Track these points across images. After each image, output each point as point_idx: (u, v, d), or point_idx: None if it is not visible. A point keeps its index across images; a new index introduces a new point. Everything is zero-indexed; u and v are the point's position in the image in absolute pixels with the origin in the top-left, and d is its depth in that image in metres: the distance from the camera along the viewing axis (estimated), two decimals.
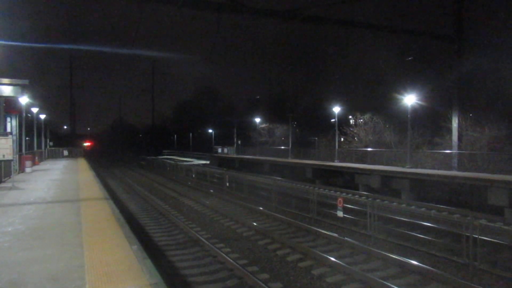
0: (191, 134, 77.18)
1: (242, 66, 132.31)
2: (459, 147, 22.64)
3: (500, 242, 9.71)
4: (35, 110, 33.38)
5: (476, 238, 8.77)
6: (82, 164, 31.66)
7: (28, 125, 30.74)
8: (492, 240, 9.80)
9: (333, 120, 34.84)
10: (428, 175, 17.98)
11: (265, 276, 8.30)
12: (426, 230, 11.87)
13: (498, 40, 27.26)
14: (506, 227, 10.37)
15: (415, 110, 23.94)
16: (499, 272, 8.27)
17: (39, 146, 38.05)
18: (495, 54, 26.14)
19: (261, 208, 15.91)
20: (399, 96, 23.71)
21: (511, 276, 8.03)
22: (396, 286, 7.43)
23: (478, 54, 26.41)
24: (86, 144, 78.75)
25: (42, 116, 38.62)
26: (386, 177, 19.94)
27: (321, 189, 18.34)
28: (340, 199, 13.00)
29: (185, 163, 43.91)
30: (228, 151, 51.85)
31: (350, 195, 18.22)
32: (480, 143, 24.07)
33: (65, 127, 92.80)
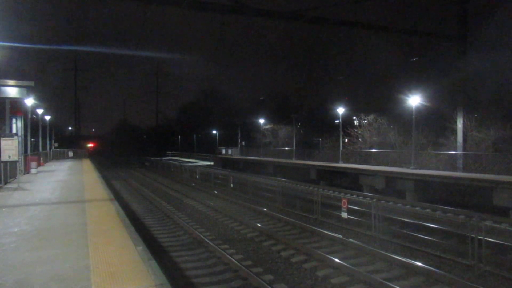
0: (195, 135, 77.26)
1: (246, 67, 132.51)
2: (464, 148, 22.53)
3: (505, 243, 9.66)
4: (40, 111, 33.58)
5: (481, 239, 8.73)
6: (86, 165, 31.80)
7: (33, 126, 30.89)
8: (497, 241, 9.76)
9: (337, 121, 34.80)
10: (432, 176, 17.91)
11: (270, 277, 8.30)
12: (431, 231, 11.82)
13: (503, 40, 27.15)
14: (511, 229, 10.30)
15: (419, 111, 23.85)
16: (504, 274, 8.23)
17: (44, 147, 38.23)
18: (500, 54, 26.02)
19: (265, 209, 15.91)
20: (404, 97, 23.64)
21: None
22: None
23: (482, 54, 26.31)
24: (90, 145, 79.16)
25: (47, 117, 38.83)
26: (391, 178, 19.88)
27: (325, 190, 18.32)
28: (344, 200, 12.99)
29: (189, 164, 43.98)
30: (232, 152, 51.87)
31: (354, 196, 18.18)
32: (485, 144, 23.96)
33: (70, 128, 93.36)
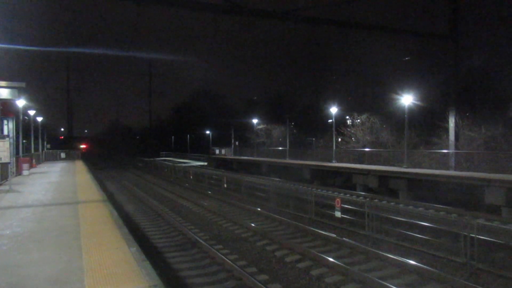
0: (188, 135, 77.07)
1: (239, 67, 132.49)
2: (456, 147, 22.71)
3: (498, 241, 9.76)
4: (32, 112, 33.31)
5: (473, 237, 8.81)
6: (79, 166, 31.60)
7: (25, 127, 30.64)
8: (489, 239, 9.85)
9: (330, 120, 34.91)
10: (425, 174, 18.02)
11: (264, 277, 8.31)
12: (424, 229, 11.90)
13: (494, 39, 27.43)
14: (503, 226, 10.41)
15: (412, 110, 23.99)
16: (496, 271, 8.31)
17: (36, 149, 37.93)
18: (491, 54, 26.29)
19: (259, 209, 15.92)
20: (396, 96, 23.78)
21: (508, 275, 8.07)
22: (395, 286, 7.46)
23: (474, 54, 26.56)
24: (83, 146, 78.70)
25: (39, 119, 38.52)
26: (384, 177, 19.98)
27: (318, 190, 18.37)
28: (337, 199, 13.04)
29: (182, 164, 43.87)
30: (225, 152, 51.80)
31: (347, 195, 18.26)
32: (477, 143, 24.16)
33: (62, 129, 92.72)
